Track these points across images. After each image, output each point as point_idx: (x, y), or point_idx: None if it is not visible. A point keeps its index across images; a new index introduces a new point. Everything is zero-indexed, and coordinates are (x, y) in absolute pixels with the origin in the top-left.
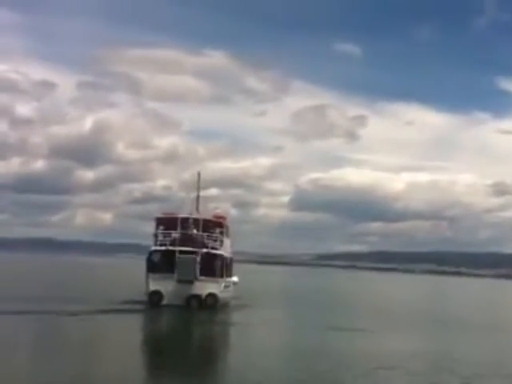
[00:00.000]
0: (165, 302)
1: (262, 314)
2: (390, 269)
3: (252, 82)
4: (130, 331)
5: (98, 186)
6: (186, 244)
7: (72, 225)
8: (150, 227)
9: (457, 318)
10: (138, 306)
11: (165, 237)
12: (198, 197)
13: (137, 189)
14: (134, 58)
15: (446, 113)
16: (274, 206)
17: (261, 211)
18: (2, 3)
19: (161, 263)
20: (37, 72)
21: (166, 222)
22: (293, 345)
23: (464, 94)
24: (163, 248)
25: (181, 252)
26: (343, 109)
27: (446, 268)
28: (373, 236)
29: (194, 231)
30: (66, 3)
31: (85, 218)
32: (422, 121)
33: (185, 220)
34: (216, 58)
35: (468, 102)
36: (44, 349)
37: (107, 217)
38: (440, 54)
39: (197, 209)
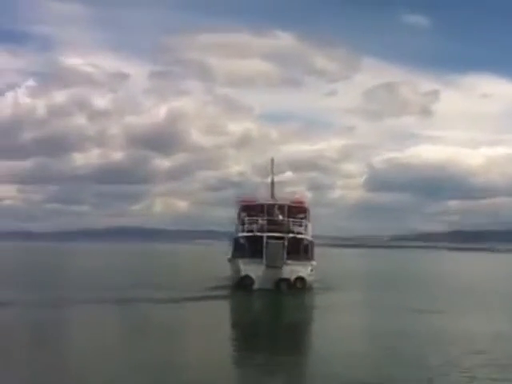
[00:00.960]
0: (255, 286)
1: (344, 296)
2: (471, 248)
3: (321, 61)
4: (220, 317)
5: (175, 174)
6: (274, 230)
7: (151, 213)
8: (225, 213)
9: None
10: (223, 292)
11: (251, 223)
12: (272, 183)
13: (212, 176)
14: (203, 44)
15: None
16: (349, 188)
17: (336, 193)
18: None
19: (249, 248)
20: (110, 64)
21: (252, 209)
22: (378, 328)
23: None
24: (251, 234)
25: (269, 237)
26: (415, 84)
27: None
28: (452, 215)
29: (280, 217)
30: None
31: (163, 206)
32: (498, 92)
33: (271, 206)
34: (284, 40)
35: None
36: (142, 335)
37: (184, 204)
38: None
39: (272, 194)
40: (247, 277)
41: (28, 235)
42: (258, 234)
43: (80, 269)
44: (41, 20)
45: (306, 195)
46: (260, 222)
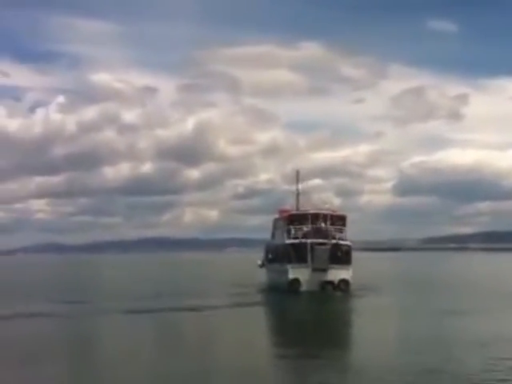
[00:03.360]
0: (303, 288)
1: (380, 299)
2: (503, 249)
3: (348, 69)
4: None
5: (203, 184)
6: (318, 236)
7: (181, 223)
8: (255, 220)
9: None
10: (257, 298)
11: (297, 231)
12: (297, 193)
13: (240, 184)
14: (229, 57)
15: None
16: (377, 193)
17: (364, 198)
18: (96, 15)
19: (295, 254)
20: (138, 79)
21: (297, 218)
22: (416, 332)
23: None
24: (297, 241)
25: (314, 244)
26: (443, 88)
27: None
28: (482, 216)
29: (323, 225)
30: (158, 9)
31: (192, 215)
32: None
33: (315, 215)
34: (310, 50)
35: None
36: (176, 344)
37: (213, 213)
38: None
39: (297, 205)
40: (295, 280)
41: (60, 248)
42: (303, 240)
43: (111, 280)
44: (70, 39)
45: (331, 201)
46: (305, 229)
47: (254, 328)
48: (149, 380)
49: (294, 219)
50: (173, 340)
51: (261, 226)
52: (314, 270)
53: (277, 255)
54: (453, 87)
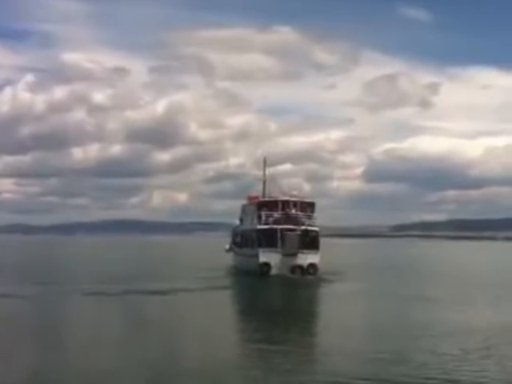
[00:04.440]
0: (273, 271)
1: (349, 285)
2: (470, 237)
3: (321, 55)
4: (224, 306)
5: (174, 167)
6: (288, 223)
7: (150, 206)
8: (223, 205)
9: None
10: (226, 282)
11: (267, 217)
12: (264, 180)
13: (211, 168)
14: (203, 40)
15: None
16: (347, 179)
17: (335, 184)
18: None
19: (266, 239)
20: (109, 59)
21: (267, 205)
22: (383, 319)
23: None
24: (267, 226)
25: (284, 230)
26: (415, 76)
27: None
28: (450, 204)
29: (292, 211)
30: None
31: (162, 198)
32: (498, 84)
33: (285, 202)
34: (284, 34)
35: None
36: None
37: (183, 197)
38: None
39: (264, 191)
40: (266, 264)
41: (27, 228)
42: (274, 226)
43: (79, 262)
44: (41, 17)
45: (301, 186)
46: (275, 215)
47: (222, 311)
48: (111, 364)
49: (264, 205)
50: (139, 324)
51: (229, 210)
52: (284, 254)
53: (247, 240)
54: (424, 75)
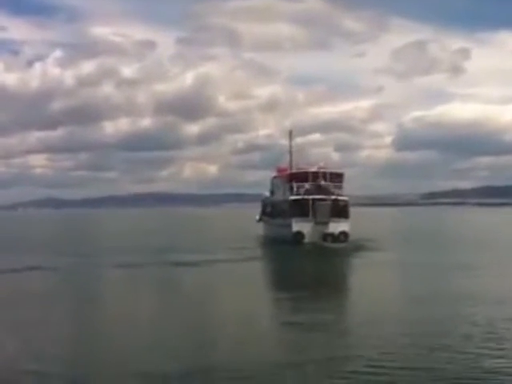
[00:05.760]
0: (306, 240)
1: (382, 253)
2: (504, 203)
3: (349, 23)
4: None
5: (203, 139)
6: (319, 193)
7: (180, 178)
8: (254, 176)
9: None
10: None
11: (298, 188)
12: (290, 152)
13: (240, 139)
14: (229, 10)
15: None
16: (377, 148)
17: (364, 153)
18: None
19: (298, 209)
20: (137, 32)
21: (299, 176)
22: (421, 287)
23: None
24: (299, 197)
25: (315, 200)
26: (445, 42)
27: None
28: (482, 171)
29: (322, 182)
30: None
31: (192, 171)
32: None
33: (315, 174)
34: (310, 2)
35: None
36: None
37: (213, 168)
38: None
39: (290, 162)
40: (299, 232)
41: (59, 202)
42: (306, 197)
43: (110, 234)
44: None
45: (331, 157)
46: (306, 186)
47: (258, 281)
48: (145, 337)
49: (295, 177)
50: (172, 296)
51: (258, 181)
52: (316, 223)
53: (278, 210)
54: (454, 41)
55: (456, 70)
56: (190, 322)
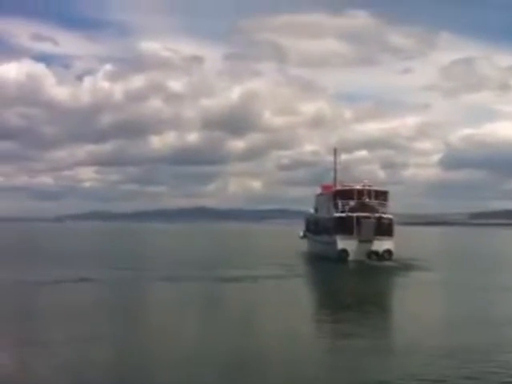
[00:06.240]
0: (350, 257)
1: (427, 273)
2: None
3: (396, 39)
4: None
5: (248, 155)
6: (363, 211)
7: (225, 193)
8: (298, 192)
9: None
10: (302, 269)
11: (343, 205)
12: (335, 169)
13: (285, 155)
14: (277, 26)
15: None
16: (423, 166)
17: (410, 171)
18: None
19: (343, 227)
20: (185, 48)
21: (344, 193)
22: (467, 310)
23: None
24: (344, 214)
25: (360, 217)
26: (494, 59)
27: None
28: None
29: (367, 200)
30: None
31: (237, 186)
32: None
33: (360, 191)
34: (358, 18)
35: None
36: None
37: (257, 184)
38: None
39: (335, 180)
40: (344, 250)
41: (106, 215)
42: (350, 214)
43: (157, 248)
44: (118, 7)
45: (374, 174)
46: (351, 204)
47: (301, 299)
48: (188, 351)
49: (340, 194)
50: (215, 311)
51: (303, 197)
52: (361, 241)
53: (323, 227)
54: (504, 58)
55: (505, 88)
56: (233, 340)
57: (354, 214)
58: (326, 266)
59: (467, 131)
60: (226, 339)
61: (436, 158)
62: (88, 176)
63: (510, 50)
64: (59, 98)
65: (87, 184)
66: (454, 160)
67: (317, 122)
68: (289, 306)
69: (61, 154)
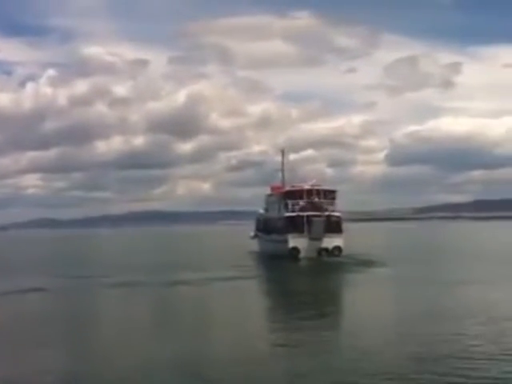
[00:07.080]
0: (302, 255)
1: (376, 268)
2: (497, 217)
3: (341, 39)
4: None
5: (196, 157)
6: (313, 210)
7: (174, 196)
8: (247, 193)
9: None
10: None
11: (293, 205)
12: (282, 169)
13: (233, 156)
14: (222, 28)
15: None
16: (370, 163)
17: (357, 169)
18: None
19: (293, 225)
20: (129, 52)
21: (293, 193)
22: (417, 303)
23: None
24: (294, 214)
25: (309, 216)
26: (436, 57)
27: None
28: (475, 185)
29: (316, 199)
30: None
31: (186, 188)
32: None
33: (309, 191)
34: (303, 19)
35: None
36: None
37: (206, 186)
38: None
39: (283, 180)
40: (295, 248)
41: (52, 223)
42: (300, 213)
43: (106, 254)
44: (60, 12)
45: (322, 175)
46: (301, 203)
47: (258, 298)
48: (143, 356)
49: (290, 194)
50: (169, 315)
51: (253, 198)
52: (311, 238)
53: (274, 227)
54: (445, 56)
55: (447, 85)
56: (186, 342)
57: (304, 213)
58: (278, 265)
59: (412, 128)
60: (179, 345)
61: (382, 154)
62: (32, 183)
63: (452, 48)
64: (1, 105)
65: (31, 191)
66: (399, 156)
67: (264, 123)
68: (242, 308)
69: (3, 162)
